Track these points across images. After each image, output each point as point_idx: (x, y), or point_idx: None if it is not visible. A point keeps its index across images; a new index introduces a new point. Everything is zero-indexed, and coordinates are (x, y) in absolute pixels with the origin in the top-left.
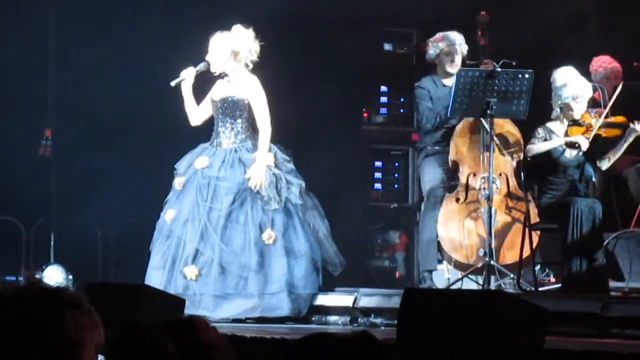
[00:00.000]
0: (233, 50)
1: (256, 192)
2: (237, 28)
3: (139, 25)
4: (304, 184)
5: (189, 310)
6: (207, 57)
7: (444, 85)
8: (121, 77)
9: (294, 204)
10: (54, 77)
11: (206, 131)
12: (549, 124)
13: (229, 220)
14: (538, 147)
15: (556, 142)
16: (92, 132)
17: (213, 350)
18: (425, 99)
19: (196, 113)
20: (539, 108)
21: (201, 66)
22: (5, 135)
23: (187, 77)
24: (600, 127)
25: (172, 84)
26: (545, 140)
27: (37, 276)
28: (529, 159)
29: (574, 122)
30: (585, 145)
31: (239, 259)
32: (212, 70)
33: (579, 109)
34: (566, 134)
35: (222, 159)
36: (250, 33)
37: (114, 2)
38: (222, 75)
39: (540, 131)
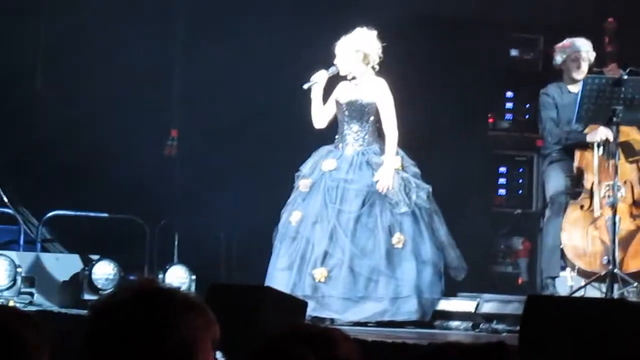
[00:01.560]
0: (362, 53)
1: (384, 196)
2: (361, 30)
3: (267, 27)
4: (430, 188)
5: (317, 313)
6: (336, 61)
7: (570, 92)
8: (246, 79)
9: (421, 207)
10: (180, 77)
11: (327, 133)
12: None
13: (358, 223)
14: None
15: None
16: (217, 133)
17: None
18: (549, 108)
19: (322, 116)
20: None
21: (332, 70)
22: (131, 135)
23: (318, 80)
24: None
25: (305, 86)
26: None
27: (160, 276)
28: None
29: None
30: None
31: (369, 261)
32: (341, 73)
33: None
34: None
35: (350, 161)
36: (373, 34)
37: (242, 3)
38: (347, 78)
39: None
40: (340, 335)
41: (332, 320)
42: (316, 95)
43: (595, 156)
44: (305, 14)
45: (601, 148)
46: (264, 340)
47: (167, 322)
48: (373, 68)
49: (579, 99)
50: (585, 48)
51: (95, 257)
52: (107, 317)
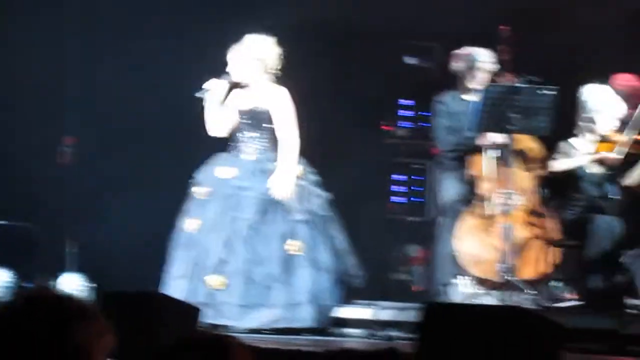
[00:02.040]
0: (259, 60)
1: (279, 203)
2: (255, 37)
3: (165, 32)
4: (326, 196)
5: (213, 320)
6: (228, 69)
7: (462, 100)
8: (140, 86)
9: (317, 215)
10: (73, 83)
11: (222, 140)
12: (572, 140)
13: (253, 230)
14: (561, 163)
15: (578, 159)
16: (111, 139)
17: None
18: (442, 116)
19: (220, 123)
20: (564, 126)
21: (226, 78)
22: (24, 141)
23: (210, 88)
24: (629, 144)
25: (197, 95)
26: (567, 155)
27: (52, 283)
28: (549, 174)
29: (602, 139)
30: (616, 161)
31: (264, 268)
32: (235, 81)
33: (602, 124)
34: (595, 151)
35: (246, 169)
36: (270, 40)
37: (140, 7)
38: (244, 86)
39: (563, 147)
40: (234, 342)
41: (227, 327)
42: (209, 102)
43: (484, 160)
44: (206, 19)
45: (491, 152)
46: (157, 349)
47: (59, 330)
48: (271, 75)
49: (480, 107)
50: (482, 58)
51: None
52: (2, 324)
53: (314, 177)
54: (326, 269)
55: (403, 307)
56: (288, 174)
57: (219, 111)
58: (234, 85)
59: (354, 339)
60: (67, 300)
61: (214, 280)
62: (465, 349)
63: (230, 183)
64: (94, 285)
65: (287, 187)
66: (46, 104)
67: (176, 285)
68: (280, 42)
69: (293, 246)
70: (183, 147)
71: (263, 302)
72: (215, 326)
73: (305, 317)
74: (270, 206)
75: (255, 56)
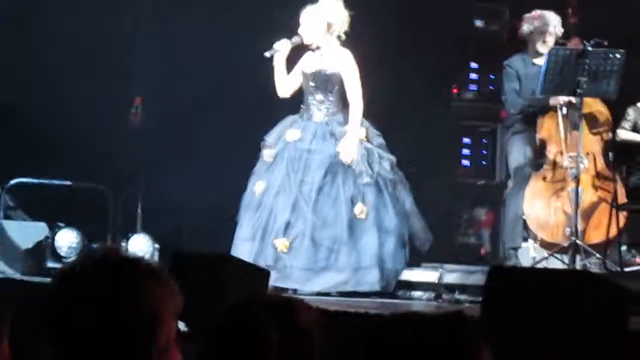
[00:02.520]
0: (327, 22)
1: (347, 166)
2: (327, 0)
3: None
4: (394, 159)
5: (279, 283)
6: (300, 30)
7: (534, 64)
8: (210, 49)
9: (385, 178)
10: (143, 45)
11: (294, 103)
12: None
13: (320, 194)
14: (628, 135)
15: None
16: (182, 101)
17: (312, 335)
18: (512, 79)
19: (286, 85)
20: (632, 90)
21: (295, 39)
22: (94, 103)
23: (281, 49)
24: None
25: (267, 54)
26: (635, 121)
27: (123, 245)
28: (617, 141)
29: None
30: None
31: (330, 232)
32: (305, 43)
33: None
34: None
35: (314, 132)
36: (340, 4)
37: None
38: (313, 48)
39: (631, 112)
40: (302, 304)
41: (294, 291)
42: (278, 64)
43: (559, 118)
44: None
45: (564, 109)
46: (226, 309)
47: (129, 292)
48: (339, 38)
49: (543, 71)
50: (554, 23)
51: (59, 225)
52: (69, 285)
53: (381, 140)
54: (393, 232)
55: (471, 271)
56: (356, 138)
57: (286, 73)
58: (303, 47)
59: (421, 301)
60: (136, 261)
61: (280, 243)
62: (530, 313)
63: (297, 146)
64: (163, 247)
65: (355, 150)
66: (116, 65)
67: (243, 247)
68: (349, 5)
69: (360, 210)
70: (255, 109)
71: (329, 265)
72: (282, 289)
73: (371, 280)
74: (338, 169)
75: (324, 19)
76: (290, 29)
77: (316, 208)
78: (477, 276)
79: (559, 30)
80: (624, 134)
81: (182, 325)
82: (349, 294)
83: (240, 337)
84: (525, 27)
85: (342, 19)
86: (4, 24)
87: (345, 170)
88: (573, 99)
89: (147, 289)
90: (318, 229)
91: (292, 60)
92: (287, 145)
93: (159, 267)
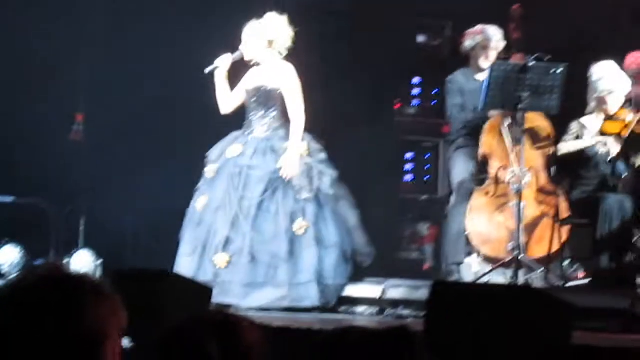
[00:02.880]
0: (267, 39)
1: (288, 182)
2: (271, 15)
3: (175, 11)
4: (335, 174)
5: (218, 299)
6: (241, 46)
7: (475, 80)
8: (154, 64)
9: (326, 194)
10: (86, 61)
11: (239, 120)
12: (583, 119)
13: (260, 209)
14: (569, 145)
15: (587, 142)
16: (124, 118)
17: (255, 353)
18: (454, 96)
19: (228, 101)
20: (574, 104)
21: (236, 55)
22: (37, 119)
23: (221, 64)
24: (636, 124)
25: (206, 71)
26: (578, 136)
27: (65, 261)
28: (558, 156)
29: (609, 118)
30: (615, 150)
31: (269, 248)
32: (245, 58)
33: (614, 104)
34: (601, 130)
35: (255, 147)
36: (284, 19)
37: None
38: (255, 64)
39: (574, 126)
40: (245, 321)
41: (231, 306)
42: (219, 79)
43: (494, 138)
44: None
45: (501, 130)
46: (167, 329)
47: (75, 309)
48: (280, 53)
49: (485, 85)
50: (496, 37)
51: (1, 241)
52: (13, 302)
53: (322, 156)
54: (334, 247)
55: (414, 286)
56: (297, 153)
57: (227, 88)
58: (246, 63)
59: (364, 317)
60: (80, 278)
61: (219, 259)
62: (473, 328)
63: (238, 162)
64: (105, 263)
65: (296, 165)
66: (60, 81)
67: (184, 263)
68: (291, 20)
69: (300, 225)
70: (199, 125)
71: (268, 281)
72: (223, 305)
73: (310, 295)
74: (278, 185)
75: (265, 35)
76: (234, 45)
77: (255, 224)
78: (420, 291)
79: (501, 45)
80: (564, 146)
81: (127, 342)
82: (292, 309)
83: (184, 356)
84: (467, 43)
85: (284, 36)
86: None
87: (285, 185)
88: (511, 117)
89: (93, 305)
90: (257, 244)
91: (237, 75)
92: (228, 161)
93: (105, 284)
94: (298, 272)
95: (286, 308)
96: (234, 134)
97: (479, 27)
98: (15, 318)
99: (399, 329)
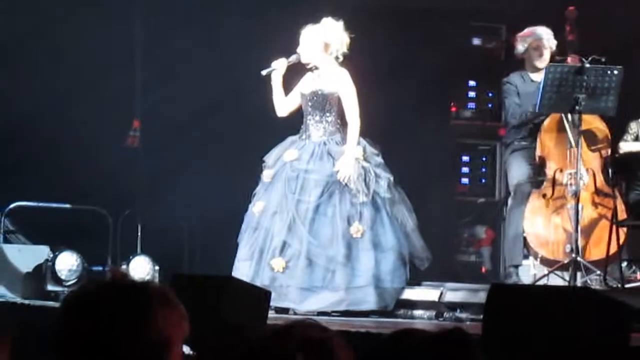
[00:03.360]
0: (324, 43)
1: (344, 185)
2: (328, 20)
3: (228, 16)
4: (392, 178)
5: (275, 302)
6: (298, 50)
7: (532, 81)
8: (209, 68)
9: (382, 197)
10: (141, 66)
11: (296, 124)
12: None
13: (317, 213)
14: (630, 146)
15: None
16: (180, 122)
17: None
18: (512, 95)
19: (284, 104)
20: (630, 105)
21: (292, 58)
22: (93, 126)
23: (278, 67)
24: None
25: (263, 73)
26: (637, 135)
27: (123, 267)
28: (617, 155)
29: None
30: None
31: (327, 251)
32: (302, 62)
33: None
34: None
35: (311, 151)
36: (340, 25)
37: None
38: (312, 68)
39: (633, 126)
40: (335, 338)
41: (289, 310)
42: (276, 82)
43: (552, 140)
44: (270, 2)
45: (558, 132)
46: (248, 341)
47: (142, 317)
48: (337, 58)
49: (541, 87)
50: (546, 36)
51: (59, 248)
52: (80, 309)
53: (379, 159)
54: (391, 250)
55: (472, 289)
56: (353, 157)
57: (282, 91)
58: (302, 66)
59: (422, 320)
60: (148, 286)
61: (277, 263)
62: (531, 331)
63: (295, 166)
64: (162, 269)
65: (352, 169)
66: (115, 87)
67: (242, 267)
68: (348, 24)
69: (357, 229)
70: (257, 129)
71: (325, 285)
72: (281, 309)
73: (367, 299)
74: (335, 189)
75: (322, 39)
76: (288, 49)
77: (312, 228)
78: (478, 294)
79: (553, 43)
80: (626, 146)
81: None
82: (350, 313)
83: None
84: (520, 46)
85: (340, 40)
86: (3, 49)
87: (342, 189)
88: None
89: (160, 315)
90: (314, 248)
91: (292, 80)
92: (284, 166)
93: (170, 293)
94: (355, 276)
95: (344, 311)
96: (291, 138)
97: (527, 30)
98: (82, 324)
99: (454, 331)
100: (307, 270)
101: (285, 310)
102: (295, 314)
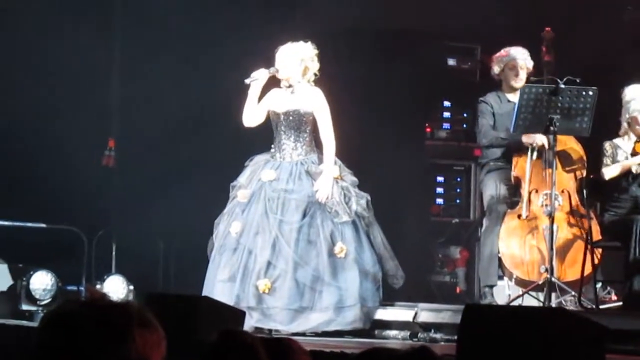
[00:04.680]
0: (305, 66)
1: (324, 205)
2: (307, 45)
3: (205, 35)
4: (369, 197)
5: (262, 324)
6: (277, 65)
7: (509, 101)
8: (185, 87)
9: (361, 216)
10: (116, 85)
11: (261, 144)
12: (616, 140)
13: (300, 234)
14: (612, 170)
15: (629, 161)
16: (155, 142)
17: None
18: (486, 115)
19: (253, 115)
20: (604, 126)
21: (272, 70)
22: (68, 145)
23: (260, 77)
24: None
25: (247, 81)
26: (613, 156)
27: (98, 286)
28: (592, 177)
29: None
30: None
31: (312, 272)
32: (279, 77)
33: None
34: (633, 151)
35: (289, 171)
36: (315, 51)
37: (179, 7)
38: (284, 85)
39: (607, 147)
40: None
41: (271, 331)
42: (253, 92)
43: (528, 160)
44: (247, 21)
45: (535, 153)
46: (218, 334)
47: (123, 338)
48: (308, 80)
49: (516, 108)
50: (521, 56)
51: (33, 267)
52: (60, 329)
53: (354, 179)
54: (370, 270)
55: (446, 309)
56: (332, 177)
57: (256, 102)
58: (275, 80)
59: (397, 340)
60: (128, 307)
61: (262, 284)
62: (506, 352)
63: (274, 186)
64: (135, 287)
65: (331, 189)
66: (91, 106)
67: (223, 289)
68: (322, 44)
69: (340, 248)
70: (233, 149)
71: (313, 305)
72: (261, 329)
73: (354, 319)
74: (316, 209)
75: (302, 59)
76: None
77: (297, 248)
78: (452, 315)
79: (529, 63)
80: (608, 171)
81: None
82: (324, 333)
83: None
84: (496, 67)
85: (315, 66)
86: None
87: (322, 209)
88: (546, 143)
89: (139, 335)
90: (300, 268)
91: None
92: (263, 185)
93: (149, 314)
94: (342, 296)
95: (322, 331)
96: (262, 157)
97: (503, 50)
98: (63, 343)
99: (422, 350)
100: (294, 291)
101: (268, 332)
102: (272, 334)
